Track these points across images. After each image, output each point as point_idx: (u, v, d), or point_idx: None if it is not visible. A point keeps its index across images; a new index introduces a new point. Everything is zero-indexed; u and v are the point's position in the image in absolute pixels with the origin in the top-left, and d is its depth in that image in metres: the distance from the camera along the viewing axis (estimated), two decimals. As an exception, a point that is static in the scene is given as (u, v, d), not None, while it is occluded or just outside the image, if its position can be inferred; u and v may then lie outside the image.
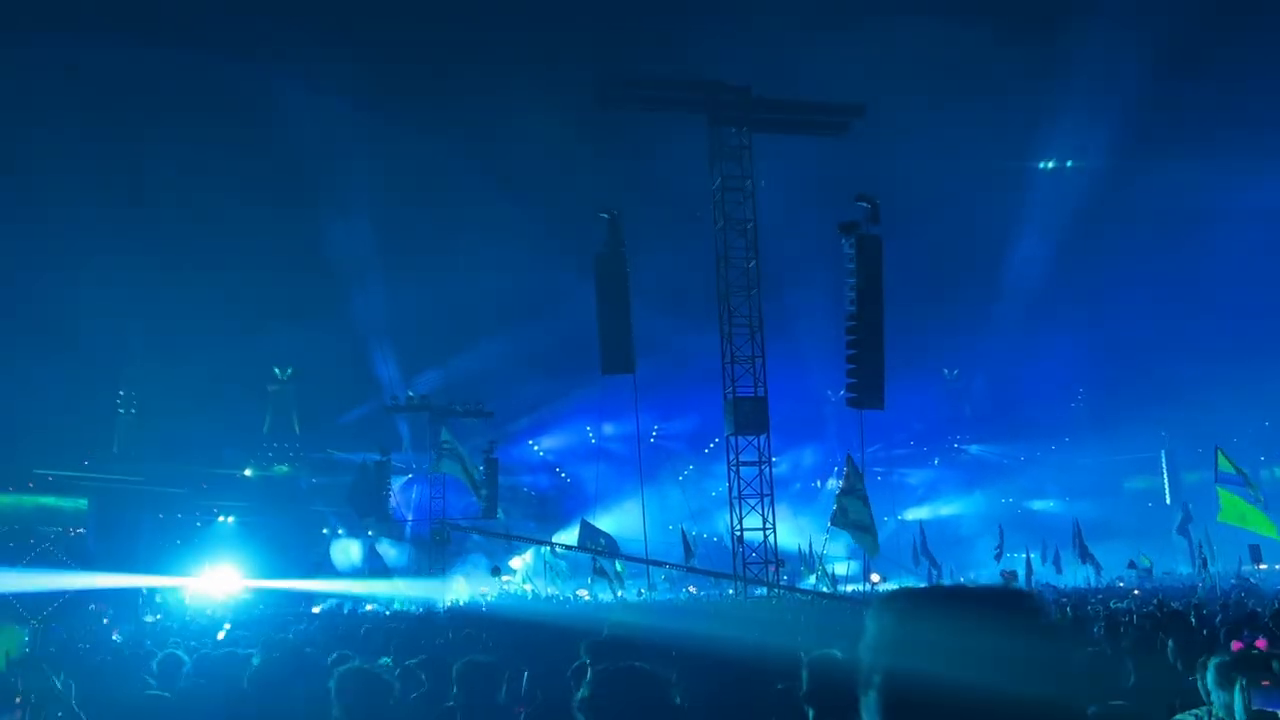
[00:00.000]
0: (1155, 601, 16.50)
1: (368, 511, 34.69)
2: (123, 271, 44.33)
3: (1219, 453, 20.63)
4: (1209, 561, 26.92)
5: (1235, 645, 6.91)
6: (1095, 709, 4.08)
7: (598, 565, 26.46)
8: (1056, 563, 34.01)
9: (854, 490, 18.03)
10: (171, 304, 47.71)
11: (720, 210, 21.06)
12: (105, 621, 20.00)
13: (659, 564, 25.25)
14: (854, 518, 17.82)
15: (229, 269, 47.40)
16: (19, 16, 40.98)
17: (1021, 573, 30.64)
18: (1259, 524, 20.36)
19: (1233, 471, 20.36)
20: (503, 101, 48.30)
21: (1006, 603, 1.15)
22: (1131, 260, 45.97)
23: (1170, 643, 6.59)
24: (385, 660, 6.04)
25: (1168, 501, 48.27)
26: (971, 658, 1.06)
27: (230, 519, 48.82)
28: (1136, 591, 22.80)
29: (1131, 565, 31.75)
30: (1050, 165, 47.55)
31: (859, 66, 40.00)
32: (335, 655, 4.93)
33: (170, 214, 48.04)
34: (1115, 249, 48.16)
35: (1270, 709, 3.52)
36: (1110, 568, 33.50)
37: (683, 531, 32.63)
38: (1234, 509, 20.24)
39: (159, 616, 21.57)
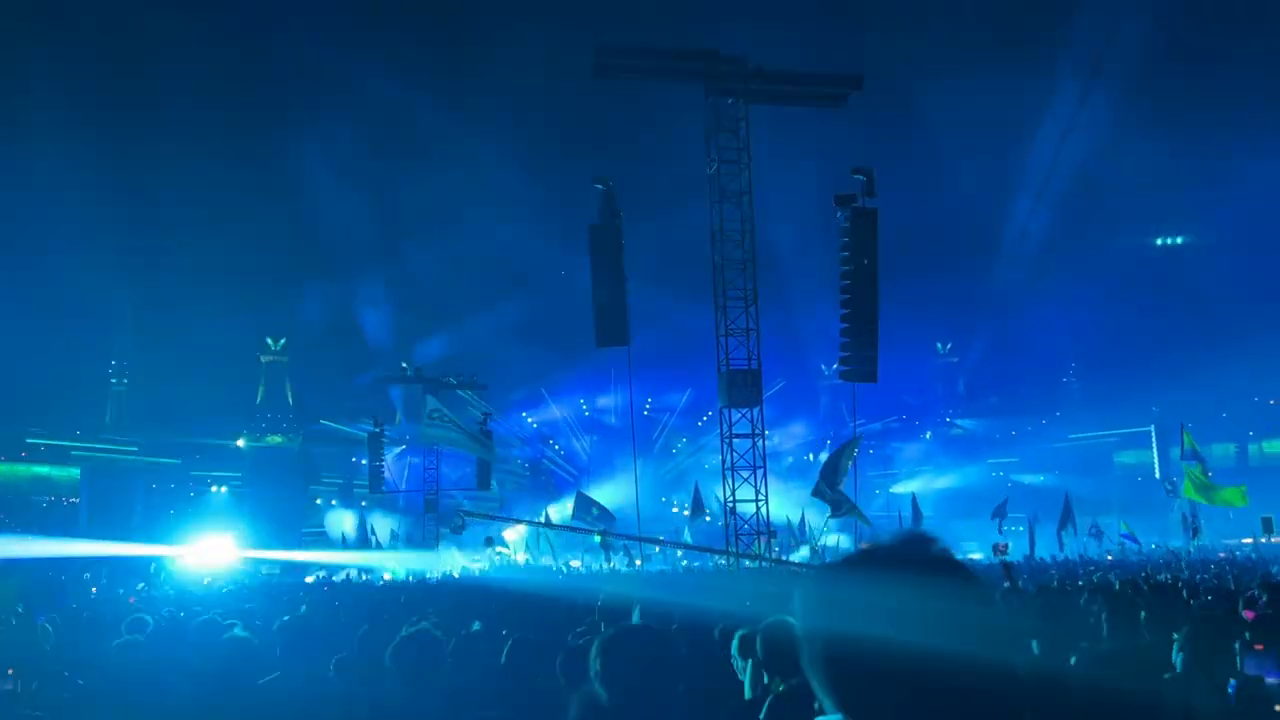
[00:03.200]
0: (1143, 574, 16.67)
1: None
2: (115, 241, 44.12)
3: (1184, 431, 21.58)
4: (1198, 534, 27.29)
5: (1248, 614, 6.97)
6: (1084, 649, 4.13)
7: (604, 541, 26.62)
8: (1059, 537, 33.84)
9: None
10: (164, 274, 47.56)
11: (716, 182, 20.93)
12: (94, 590, 20.06)
13: (652, 541, 25.48)
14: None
15: (222, 240, 47.18)
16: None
17: (1025, 546, 30.68)
18: (1217, 498, 21.39)
19: (1192, 449, 21.39)
20: (500, 69, 47.96)
21: (923, 562, 1.15)
22: (1125, 237, 46.02)
23: (1143, 612, 6.61)
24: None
25: (1157, 476, 48.62)
26: (898, 618, 1.08)
27: (223, 489, 48.92)
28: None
29: (1130, 539, 31.99)
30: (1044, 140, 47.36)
31: (854, 35, 39.81)
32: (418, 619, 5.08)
33: (161, 184, 47.69)
34: (1109, 226, 48.18)
35: (1260, 674, 3.57)
36: (1101, 541, 33.72)
37: (695, 486, 32.64)
38: (1193, 485, 21.19)
39: (143, 586, 21.56)
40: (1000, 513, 34.73)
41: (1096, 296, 47.97)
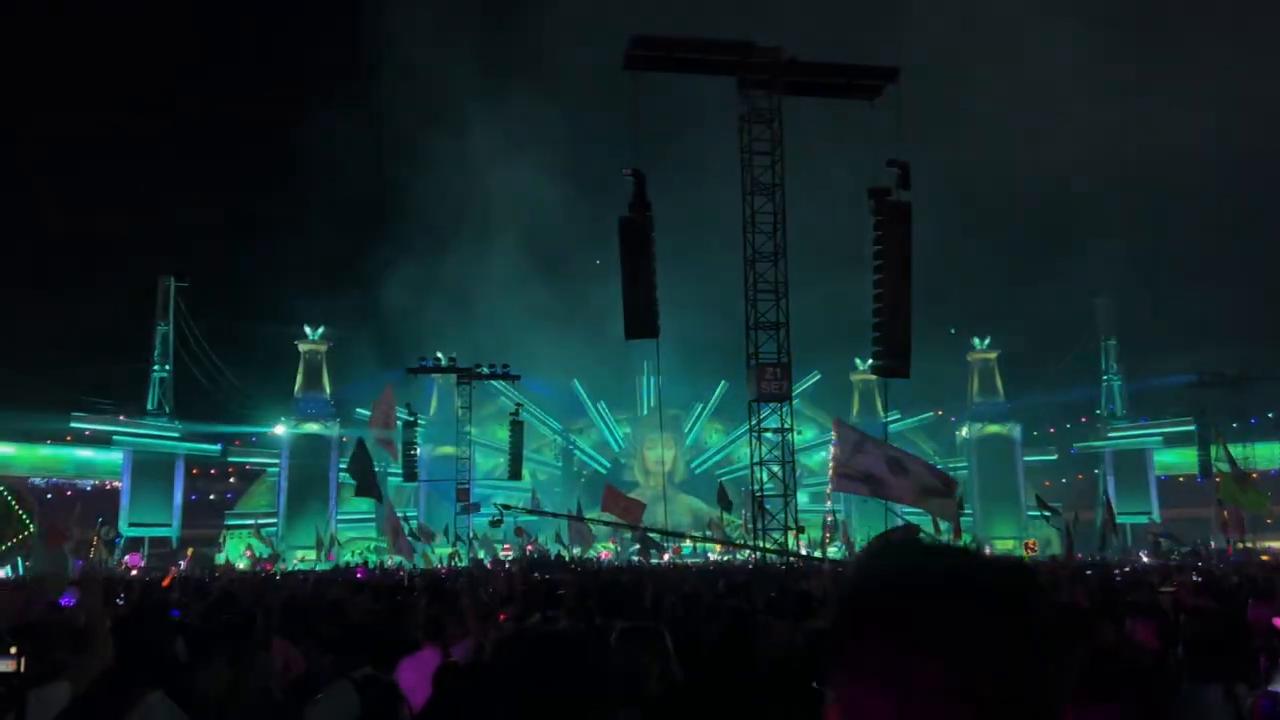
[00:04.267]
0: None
1: (364, 492, 31.56)
2: (160, 226, 44.85)
3: (1218, 433, 22.23)
4: (1244, 533, 26.91)
5: (1277, 622, 6.74)
6: None
7: (637, 535, 26.70)
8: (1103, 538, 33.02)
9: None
10: (207, 261, 48.26)
11: (748, 174, 20.77)
12: (133, 573, 20.46)
13: (681, 535, 25.48)
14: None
15: (262, 229, 47.80)
16: None
17: (1055, 545, 30.20)
18: (1250, 501, 21.70)
19: (1227, 452, 22.05)
20: (535, 57, 48.02)
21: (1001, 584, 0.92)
22: (1167, 224, 44.99)
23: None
24: None
25: (1198, 476, 47.61)
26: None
27: (262, 476, 49.60)
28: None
29: (1156, 539, 31.39)
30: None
31: (895, 21, 39.28)
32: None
33: (203, 177, 48.40)
34: (1151, 211, 47.15)
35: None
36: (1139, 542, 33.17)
37: (720, 486, 32.68)
38: (1229, 488, 21.53)
39: (175, 569, 21.98)
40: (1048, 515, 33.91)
41: (1138, 287, 46.97)
